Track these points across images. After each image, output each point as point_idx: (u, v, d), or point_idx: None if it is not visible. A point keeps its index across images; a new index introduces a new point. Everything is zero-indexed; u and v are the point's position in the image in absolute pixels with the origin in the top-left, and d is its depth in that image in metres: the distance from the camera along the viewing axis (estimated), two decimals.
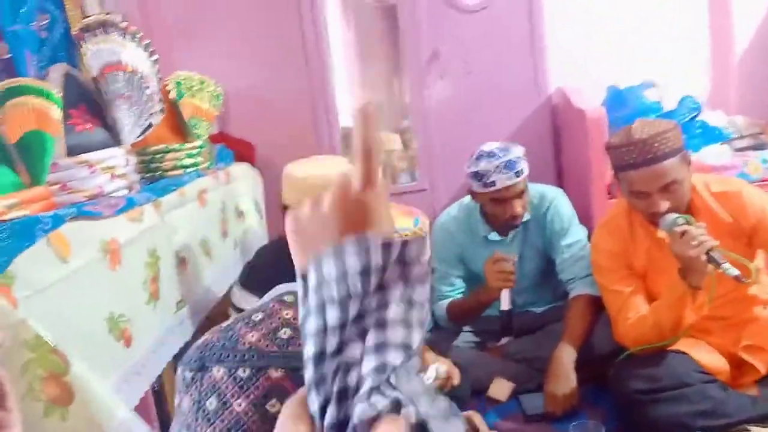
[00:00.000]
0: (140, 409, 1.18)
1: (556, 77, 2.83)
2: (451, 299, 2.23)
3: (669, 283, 1.68)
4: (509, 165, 2.02)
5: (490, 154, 2.05)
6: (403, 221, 1.29)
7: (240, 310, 1.70)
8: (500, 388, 2.02)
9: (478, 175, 2.06)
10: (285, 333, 0.57)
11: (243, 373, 0.52)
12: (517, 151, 2.06)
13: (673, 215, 1.65)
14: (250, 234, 2.29)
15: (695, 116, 2.64)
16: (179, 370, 0.56)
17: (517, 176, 2.03)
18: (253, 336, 0.55)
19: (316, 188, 1.68)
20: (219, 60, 2.90)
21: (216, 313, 1.83)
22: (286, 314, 0.59)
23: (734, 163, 2.43)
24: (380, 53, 3.23)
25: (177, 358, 1.49)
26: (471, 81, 2.84)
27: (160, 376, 1.66)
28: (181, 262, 1.62)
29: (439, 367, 1.68)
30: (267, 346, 0.55)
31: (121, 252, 1.25)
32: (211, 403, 0.52)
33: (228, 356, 0.54)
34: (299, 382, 0.50)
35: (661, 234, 1.72)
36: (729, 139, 2.57)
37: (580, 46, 2.89)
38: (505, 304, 1.99)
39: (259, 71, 3.03)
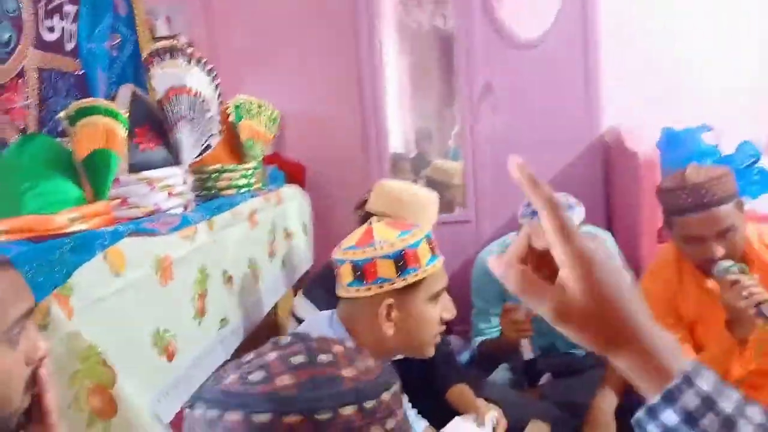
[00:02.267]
0: (178, 426, 1.20)
1: (611, 116, 2.80)
2: (484, 338, 2.22)
3: (716, 335, 1.64)
4: None
5: None
6: (385, 233, 1.20)
7: (300, 320, 1.73)
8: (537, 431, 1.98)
9: None
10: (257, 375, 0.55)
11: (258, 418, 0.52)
12: (575, 219, 1.95)
13: (728, 262, 1.59)
14: (296, 255, 2.33)
15: (754, 162, 2.57)
16: (200, 407, 0.55)
17: None
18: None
19: (405, 202, 1.72)
20: (277, 84, 2.99)
21: (260, 332, 1.86)
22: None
23: None
24: (433, 82, 3.27)
25: None
26: (523, 116, 2.84)
27: None
28: (228, 280, 1.66)
29: (494, 417, 1.68)
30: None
31: (173, 269, 1.29)
32: None
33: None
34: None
35: (711, 284, 1.68)
36: None
37: (637, 86, 2.85)
38: (526, 353, 1.95)
39: (315, 95, 3.10)
